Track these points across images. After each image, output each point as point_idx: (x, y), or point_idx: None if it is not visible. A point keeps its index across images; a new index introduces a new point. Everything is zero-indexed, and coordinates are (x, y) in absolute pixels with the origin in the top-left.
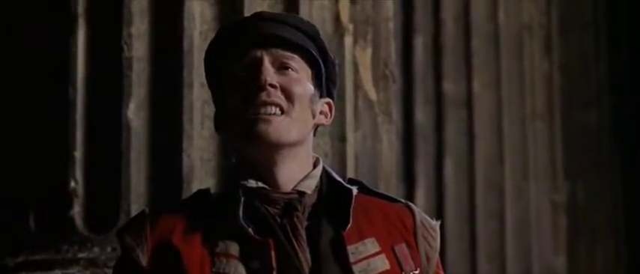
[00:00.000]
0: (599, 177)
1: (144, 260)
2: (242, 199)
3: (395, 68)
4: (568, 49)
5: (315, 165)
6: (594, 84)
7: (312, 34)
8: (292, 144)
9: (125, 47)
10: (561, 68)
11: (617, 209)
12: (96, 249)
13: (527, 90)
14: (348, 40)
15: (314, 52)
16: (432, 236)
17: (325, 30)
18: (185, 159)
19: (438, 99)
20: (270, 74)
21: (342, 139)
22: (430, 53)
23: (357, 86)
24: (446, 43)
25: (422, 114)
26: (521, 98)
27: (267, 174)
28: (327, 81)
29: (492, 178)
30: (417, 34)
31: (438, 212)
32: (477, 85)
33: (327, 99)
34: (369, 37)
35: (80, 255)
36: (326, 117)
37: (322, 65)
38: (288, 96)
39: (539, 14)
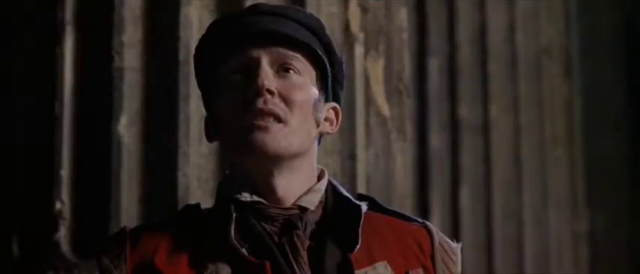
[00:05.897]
0: (619, 206)
1: None
2: (234, 215)
3: (410, 82)
4: (587, 74)
5: (319, 178)
6: (614, 110)
7: (317, 29)
8: (292, 156)
9: (116, 57)
10: (582, 92)
11: (637, 240)
12: None
13: (546, 115)
14: (359, 51)
15: (319, 51)
16: (452, 260)
17: (334, 40)
18: (181, 178)
19: (454, 125)
20: (268, 78)
21: (352, 158)
22: (445, 77)
23: (369, 100)
24: (462, 67)
25: (437, 140)
26: (540, 123)
27: (265, 187)
28: (333, 83)
29: (510, 207)
30: (431, 56)
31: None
32: (494, 110)
33: (333, 104)
34: (382, 47)
35: None
36: (332, 125)
37: (328, 65)
38: (288, 103)
39: (558, 36)
